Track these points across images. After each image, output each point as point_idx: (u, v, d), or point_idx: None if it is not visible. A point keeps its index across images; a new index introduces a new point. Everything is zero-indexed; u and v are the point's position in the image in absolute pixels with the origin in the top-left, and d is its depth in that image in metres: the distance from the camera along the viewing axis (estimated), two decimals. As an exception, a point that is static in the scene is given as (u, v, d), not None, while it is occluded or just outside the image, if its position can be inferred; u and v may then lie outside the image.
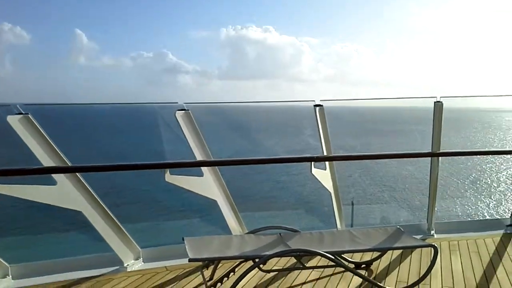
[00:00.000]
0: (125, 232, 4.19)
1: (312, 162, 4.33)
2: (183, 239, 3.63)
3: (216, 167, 4.63)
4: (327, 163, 4.80)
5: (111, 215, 4.07)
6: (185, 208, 15.23)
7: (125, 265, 4.15)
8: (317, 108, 4.66)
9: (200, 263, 3.96)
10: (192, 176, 4.42)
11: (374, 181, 27.00)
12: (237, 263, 3.90)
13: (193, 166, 4.52)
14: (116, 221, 4.10)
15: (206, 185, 4.53)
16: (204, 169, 4.50)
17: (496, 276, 4.00)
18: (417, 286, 3.71)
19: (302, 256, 3.81)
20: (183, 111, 4.36)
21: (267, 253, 3.48)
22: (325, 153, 4.82)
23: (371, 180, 27.04)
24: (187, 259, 3.23)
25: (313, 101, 4.64)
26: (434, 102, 4.71)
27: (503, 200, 25.35)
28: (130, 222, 5.27)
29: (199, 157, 4.47)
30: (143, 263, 4.29)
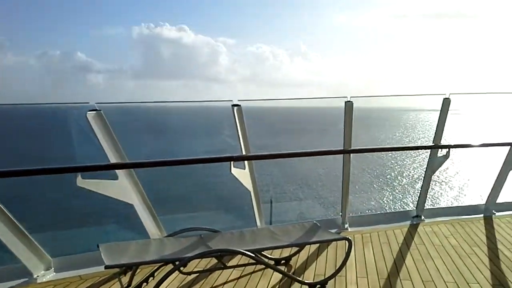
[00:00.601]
0: (34, 241, 3.89)
1: (232, 162, 4.33)
2: (98, 246, 3.46)
3: (132, 169, 4.45)
4: (246, 162, 4.83)
5: (17, 223, 3.75)
6: (99, 213, 14.55)
7: (34, 276, 3.87)
8: (235, 108, 4.67)
9: (117, 269, 3.79)
10: (107, 179, 4.22)
11: (292, 179, 27.74)
12: (156, 267, 3.80)
13: (106, 169, 4.25)
14: (23, 229, 3.79)
15: (122, 188, 4.33)
16: (119, 172, 4.29)
17: (405, 264, 4.27)
18: (333, 278, 3.84)
19: (223, 256, 3.79)
20: (95, 112, 4.14)
21: (187, 255, 3.42)
22: (243, 153, 4.85)
23: (288, 178, 27.76)
24: (103, 266, 3.08)
25: (231, 101, 4.65)
26: (345, 102, 4.90)
27: (407, 193, 27.35)
28: (40, 231, 4.91)
29: (112, 159, 4.29)
30: (54, 273, 4.02)
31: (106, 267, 3.10)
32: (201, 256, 3.54)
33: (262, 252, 4.09)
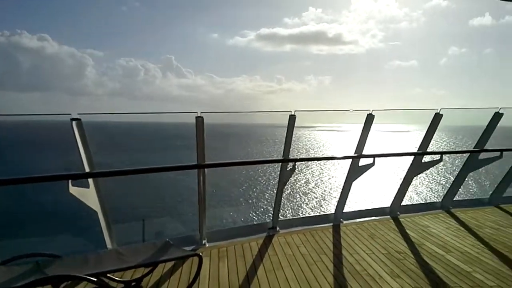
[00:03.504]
0: None
1: (70, 180, 3.95)
2: None
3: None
4: (90, 180, 4.46)
5: None
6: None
7: None
8: (74, 122, 4.32)
9: None
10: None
11: (150, 196, 26.97)
12: None
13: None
14: None
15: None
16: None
17: (257, 275, 4.33)
18: None
19: (61, 283, 3.38)
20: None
21: (17, 285, 2.97)
22: (87, 170, 4.48)
23: (145, 196, 26.92)
24: None
25: (69, 114, 4.28)
26: (196, 117, 4.87)
27: (268, 205, 28.53)
28: None
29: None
30: None
31: None
32: (32, 285, 3.09)
33: (111, 275, 3.78)
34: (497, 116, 6.90)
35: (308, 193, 33.28)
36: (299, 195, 32.34)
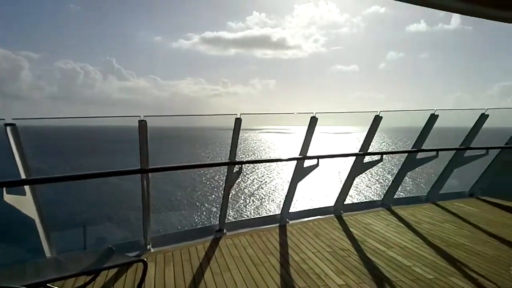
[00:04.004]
0: None
1: (4, 188, 3.75)
2: None
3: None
4: (27, 187, 4.25)
5: None
6: None
7: None
8: (8, 127, 4.11)
9: None
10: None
11: (91, 202, 26.08)
12: None
13: None
14: None
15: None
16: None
17: (204, 278, 4.29)
18: None
19: None
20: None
21: None
22: (23, 176, 4.26)
23: (86, 201, 26.01)
24: None
25: (3, 119, 4.07)
26: (138, 121, 4.76)
27: (215, 208, 28.36)
28: None
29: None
30: None
31: None
32: None
33: (51, 285, 3.61)
34: (433, 118, 7.27)
35: (255, 194, 33.47)
36: (245, 196, 32.44)
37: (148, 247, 5.24)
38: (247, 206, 29.53)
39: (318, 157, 6.37)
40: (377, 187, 36.76)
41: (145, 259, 3.67)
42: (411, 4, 2.84)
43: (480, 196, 8.46)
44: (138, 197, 5.07)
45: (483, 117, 7.67)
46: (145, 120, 4.76)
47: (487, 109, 7.67)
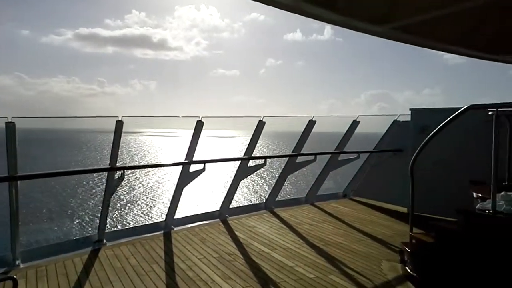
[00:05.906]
0: None
1: None
2: None
3: None
4: None
5: None
6: None
7: None
8: None
9: None
10: None
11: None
12: None
13: None
14: None
15: None
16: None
17: None
18: None
19: None
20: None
21: None
22: None
23: None
24: None
25: None
26: (6, 123, 4.36)
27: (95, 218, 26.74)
28: None
29: None
30: None
31: None
32: None
33: None
34: (311, 123, 7.71)
35: (138, 201, 32.27)
36: (127, 203, 31.14)
37: (17, 262, 4.74)
38: (128, 214, 28.29)
39: (204, 162, 6.35)
40: (260, 190, 37.83)
41: (14, 276, 3.29)
42: (288, 13, 2.99)
43: (352, 196, 9.16)
44: (3, 206, 4.57)
45: (355, 123, 8.33)
46: (14, 122, 4.34)
47: (358, 115, 8.36)
